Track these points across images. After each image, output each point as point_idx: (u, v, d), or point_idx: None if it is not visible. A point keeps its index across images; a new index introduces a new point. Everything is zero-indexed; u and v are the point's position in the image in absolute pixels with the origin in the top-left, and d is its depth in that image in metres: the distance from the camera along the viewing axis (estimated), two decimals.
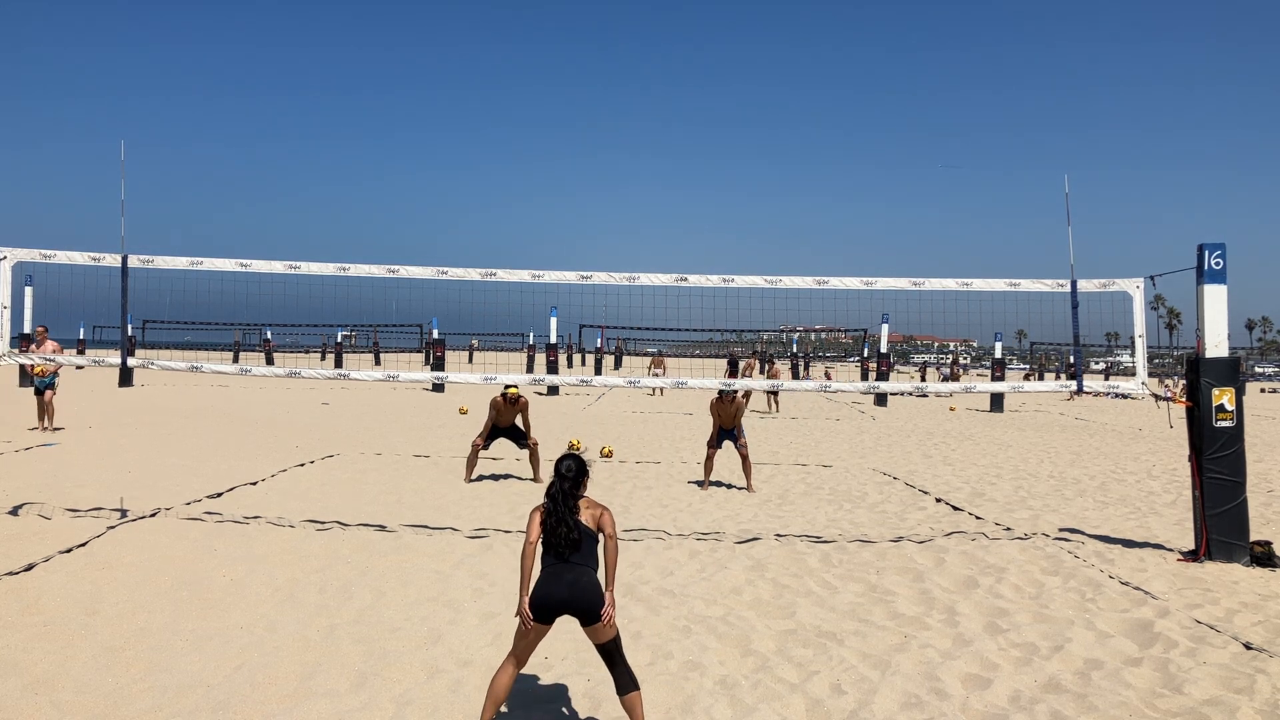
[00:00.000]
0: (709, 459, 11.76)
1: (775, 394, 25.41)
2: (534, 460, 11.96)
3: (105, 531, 8.07)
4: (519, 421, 11.98)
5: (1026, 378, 49.38)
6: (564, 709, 4.68)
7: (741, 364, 27.65)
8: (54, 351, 14.14)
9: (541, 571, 4.23)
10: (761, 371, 29.86)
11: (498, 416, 11.82)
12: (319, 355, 54.99)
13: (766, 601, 6.58)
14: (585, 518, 4.28)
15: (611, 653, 4.20)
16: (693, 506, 10.41)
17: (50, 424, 15.51)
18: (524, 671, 5.10)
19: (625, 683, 4.19)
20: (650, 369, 34.41)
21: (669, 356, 48.98)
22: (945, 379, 42.30)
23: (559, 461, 4.41)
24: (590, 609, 4.12)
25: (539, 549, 4.27)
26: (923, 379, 45.74)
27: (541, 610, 4.15)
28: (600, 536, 4.31)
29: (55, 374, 15.59)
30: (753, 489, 11.61)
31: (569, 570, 4.16)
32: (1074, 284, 8.78)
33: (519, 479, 12.02)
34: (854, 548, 8.31)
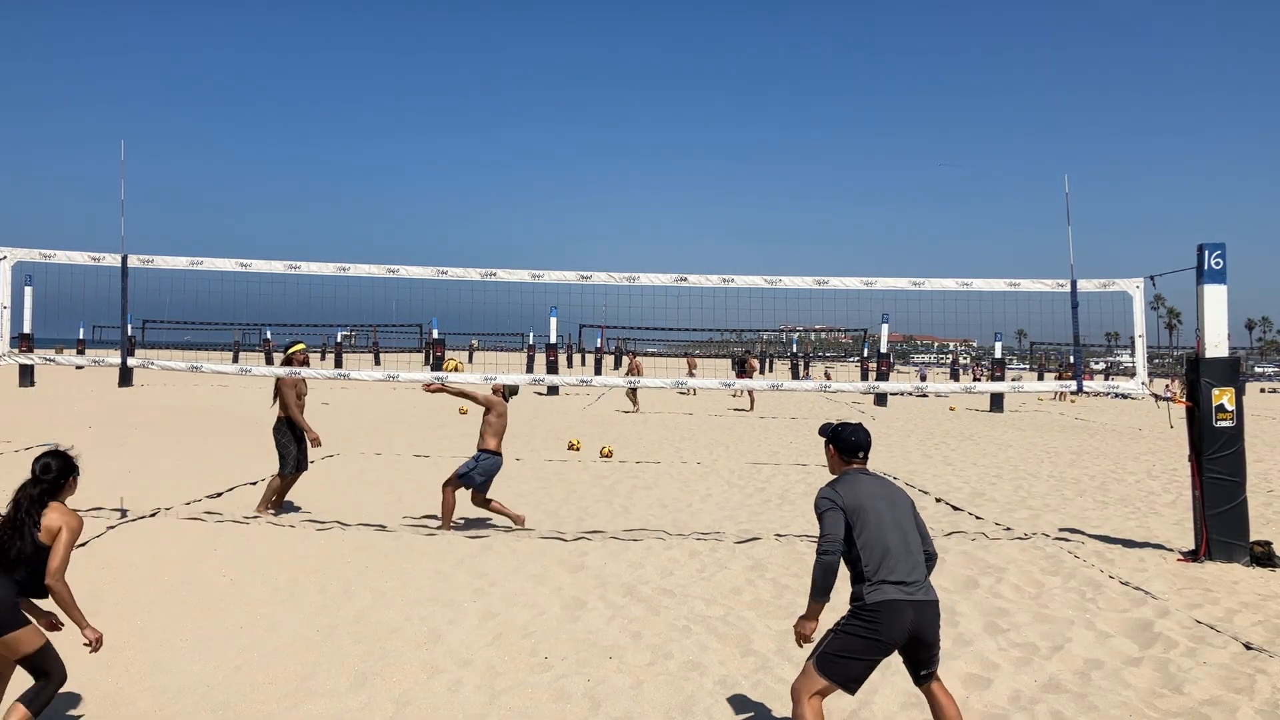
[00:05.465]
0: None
1: (634, 392, 23.62)
2: None
3: (105, 531, 8.07)
4: None
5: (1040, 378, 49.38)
6: (564, 709, 4.67)
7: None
8: None
9: None
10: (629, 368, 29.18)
11: None
12: (319, 355, 54.98)
13: (766, 601, 6.58)
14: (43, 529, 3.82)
15: (36, 668, 3.81)
16: (692, 506, 10.40)
17: None
18: (523, 671, 5.10)
19: (34, 701, 3.75)
20: (690, 370, 35.57)
21: (667, 357, 49.08)
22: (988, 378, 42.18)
23: (36, 460, 3.95)
24: None
25: None
26: (922, 379, 45.73)
27: None
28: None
29: None
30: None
31: None
32: (1074, 284, 8.79)
33: (519, 478, 12.02)
34: None
